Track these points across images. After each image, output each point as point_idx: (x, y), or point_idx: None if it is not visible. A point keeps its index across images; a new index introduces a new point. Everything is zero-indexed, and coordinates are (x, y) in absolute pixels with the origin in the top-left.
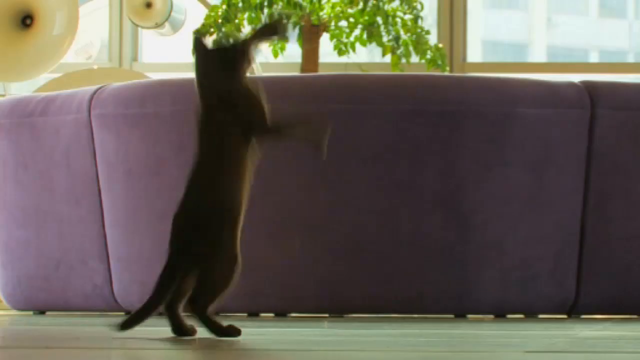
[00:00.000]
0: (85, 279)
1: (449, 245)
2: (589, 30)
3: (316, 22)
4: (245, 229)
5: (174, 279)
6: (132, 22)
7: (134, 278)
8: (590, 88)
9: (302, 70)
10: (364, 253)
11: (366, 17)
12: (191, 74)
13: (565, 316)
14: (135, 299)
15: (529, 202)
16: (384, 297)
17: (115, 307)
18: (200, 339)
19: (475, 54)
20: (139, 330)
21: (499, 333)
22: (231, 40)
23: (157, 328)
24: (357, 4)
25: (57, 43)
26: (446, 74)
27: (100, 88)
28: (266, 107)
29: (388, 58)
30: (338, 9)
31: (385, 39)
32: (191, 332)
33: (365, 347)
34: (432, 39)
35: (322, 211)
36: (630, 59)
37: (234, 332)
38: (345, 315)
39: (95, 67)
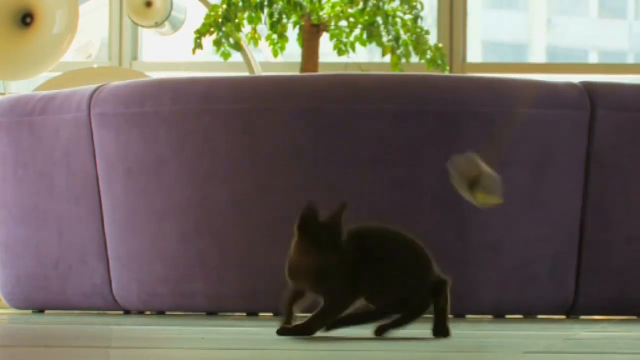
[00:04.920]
0: (84, 278)
1: (448, 245)
2: (589, 30)
3: (316, 22)
4: (245, 229)
5: None
6: (131, 21)
7: (133, 277)
8: (589, 89)
9: (302, 70)
10: None
11: (366, 17)
12: (190, 74)
13: (564, 317)
14: (134, 298)
15: (528, 202)
16: None
17: (114, 306)
18: (205, 339)
19: (475, 54)
20: (139, 330)
21: (497, 333)
22: None
23: (157, 327)
24: (357, 4)
25: (57, 42)
26: (446, 74)
27: (99, 87)
28: None
29: (388, 58)
30: (338, 8)
31: (385, 38)
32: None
33: (364, 347)
34: (432, 39)
35: (322, 211)
36: (630, 59)
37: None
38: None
39: (95, 65)
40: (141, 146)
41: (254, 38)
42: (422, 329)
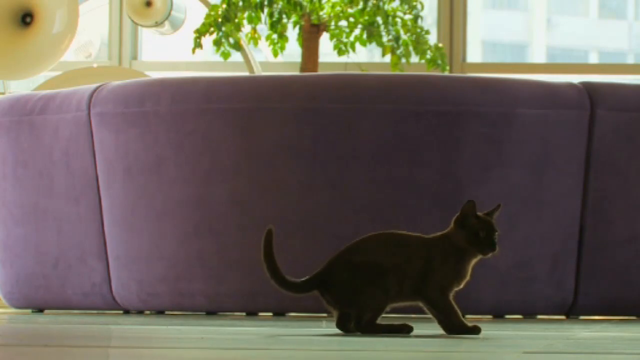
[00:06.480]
0: (84, 277)
1: None
2: (589, 31)
3: (316, 22)
4: (245, 229)
5: None
6: (132, 20)
7: (133, 276)
8: (589, 89)
9: (302, 69)
10: None
11: (366, 17)
12: (190, 73)
13: (563, 317)
14: (134, 297)
15: (528, 203)
16: None
17: (113, 305)
18: (204, 338)
19: (475, 54)
20: (138, 329)
21: (497, 334)
22: None
23: (157, 327)
24: (357, 4)
25: (57, 41)
26: (446, 74)
27: (99, 86)
28: None
29: (388, 58)
30: (338, 8)
31: (385, 39)
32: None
33: (364, 347)
34: (432, 39)
35: (322, 211)
36: (630, 60)
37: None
38: None
39: (95, 65)
40: (141, 146)
41: (254, 38)
42: (423, 329)
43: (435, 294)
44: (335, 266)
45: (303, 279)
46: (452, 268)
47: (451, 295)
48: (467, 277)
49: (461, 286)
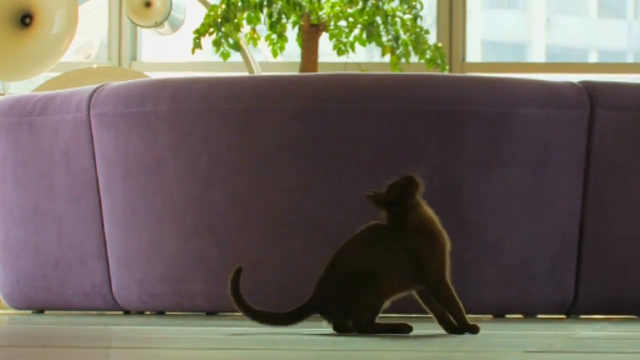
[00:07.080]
0: (84, 278)
1: None
2: (588, 30)
3: (315, 22)
4: (245, 229)
5: None
6: (131, 21)
7: (133, 277)
8: (589, 88)
9: (302, 69)
10: None
11: (365, 17)
12: (190, 73)
13: (564, 316)
14: (134, 298)
15: (528, 202)
16: None
17: (113, 306)
18: (206, 339)
19: (474, 54)
20: (138, 330)
21: (498, 333)
22: None
23: (157, 327)
24: (357, 4)
25: (57, 42)
26: (446, 74)
27: (99, 87)
28: None
29: (388, 58)
30: (337, 8)
31: (384, 38)
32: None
33: (364, 347)
34: (432, 39)
35: (322, 211)
36: (630, 59)
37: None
38: None
39: (95, 66)
40: (141, 146)
41: (253, 38)
42: (424, 329)
43: (434, 277)
44: (325, 284)
45: (294, 308)
46: (433, 245)
47: (449, 280)
48: (448, 243)
49: (449, 249)
